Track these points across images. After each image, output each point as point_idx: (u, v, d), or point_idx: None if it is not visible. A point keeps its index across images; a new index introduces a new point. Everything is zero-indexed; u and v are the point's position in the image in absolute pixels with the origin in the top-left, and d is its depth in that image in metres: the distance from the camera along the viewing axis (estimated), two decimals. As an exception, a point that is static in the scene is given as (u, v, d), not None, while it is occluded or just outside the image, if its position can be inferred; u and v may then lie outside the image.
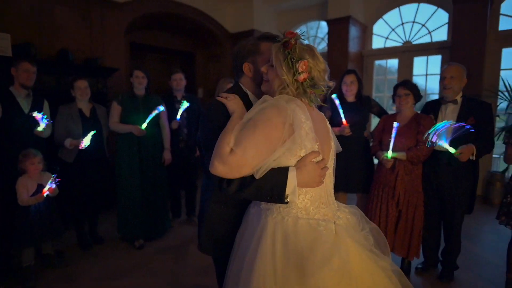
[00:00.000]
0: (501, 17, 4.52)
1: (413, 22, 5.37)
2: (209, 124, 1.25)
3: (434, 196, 2.51)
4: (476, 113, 2.30)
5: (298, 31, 1.20)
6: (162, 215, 3.39)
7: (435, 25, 5.19)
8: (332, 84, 1.17)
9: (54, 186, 2.53)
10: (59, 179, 2.55)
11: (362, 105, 2.94)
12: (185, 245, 3.27)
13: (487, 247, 3.19)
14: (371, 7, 5.63)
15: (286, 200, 1.08)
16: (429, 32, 5.25)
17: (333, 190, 1.23)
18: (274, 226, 1.09)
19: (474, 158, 2.25)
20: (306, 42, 1.17)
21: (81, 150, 2.88)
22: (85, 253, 3.06)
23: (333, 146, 1.23)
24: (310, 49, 1.12)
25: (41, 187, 2.53)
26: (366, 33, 5.77)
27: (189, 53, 6.51)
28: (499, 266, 2.70)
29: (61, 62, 3.81)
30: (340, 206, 1.22)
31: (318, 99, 1.16)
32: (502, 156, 3.66)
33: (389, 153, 2.45)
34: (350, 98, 2.93)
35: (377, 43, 5.76)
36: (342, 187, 2.85)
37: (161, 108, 3.11)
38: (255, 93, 1.33)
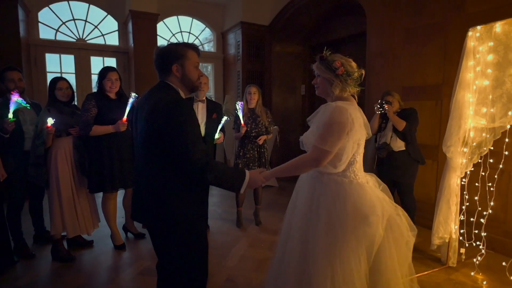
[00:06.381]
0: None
1: (86, 21, 5.47)
2: (188, 123, 1.37)
3: None
4: (217, 109, 3.36)
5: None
6: None
7: (107, 29, 5.66)
8: (363, 71, 1.61)
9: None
10: None
11: (121, 102, 3.03)
12: None
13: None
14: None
15: (240, 192, 1.48)
16: (102, 35, 5.63)
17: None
18: (335, 186, 1.55)
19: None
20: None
21: None
22: None
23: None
24: (336, 54, 1.59)
25: None
26: (31, 19, 5.00)
27: None
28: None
29: None
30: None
31: (357, 86, 1.61)
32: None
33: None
34: (112, 95, 2.91)
35: (46, 33, 5.19)
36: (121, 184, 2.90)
37: None
38: (183, 91, 1.53)
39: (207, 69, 6.68)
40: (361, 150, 1.62)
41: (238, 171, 1.49)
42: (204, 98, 3.33)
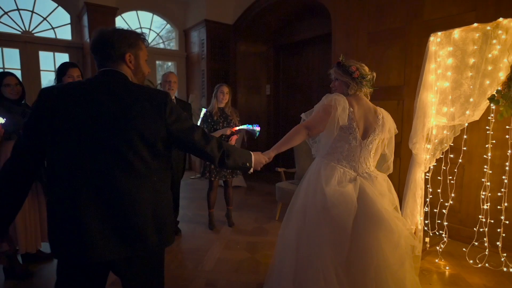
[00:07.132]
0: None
1: (32, 12, 4.97)
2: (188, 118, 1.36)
3: None
4: (187, 109, 3.25)
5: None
6: None
7: (58, 22, 5.20)
8: (374, 74, 1.83)
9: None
10: None
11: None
12: None
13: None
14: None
15: (249, 171, 1.50)
16: (53, 28, 5.16)
17: (368, 157, 1.86)
18: (320, 165, 1.84)
19: None
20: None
21: None
22: None
23: (378, 129, 1.83)
24: (351, 60, 1.81)
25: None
26: (-35, 7, 4.44)
27: None
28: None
29: None
30: (375, 170, 1.91)
31: (370, 87, 1.84)
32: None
33: None
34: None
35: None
36: None
37: None
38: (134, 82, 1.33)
39: (163, 67, 6.45)
40: (352, 140, 1.77)
41: (245, 151, 1.52)
42: (174, 98, 3.21)
